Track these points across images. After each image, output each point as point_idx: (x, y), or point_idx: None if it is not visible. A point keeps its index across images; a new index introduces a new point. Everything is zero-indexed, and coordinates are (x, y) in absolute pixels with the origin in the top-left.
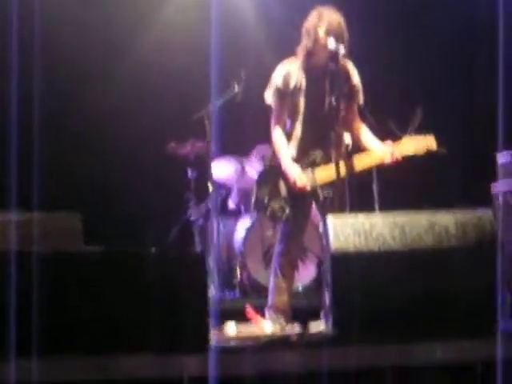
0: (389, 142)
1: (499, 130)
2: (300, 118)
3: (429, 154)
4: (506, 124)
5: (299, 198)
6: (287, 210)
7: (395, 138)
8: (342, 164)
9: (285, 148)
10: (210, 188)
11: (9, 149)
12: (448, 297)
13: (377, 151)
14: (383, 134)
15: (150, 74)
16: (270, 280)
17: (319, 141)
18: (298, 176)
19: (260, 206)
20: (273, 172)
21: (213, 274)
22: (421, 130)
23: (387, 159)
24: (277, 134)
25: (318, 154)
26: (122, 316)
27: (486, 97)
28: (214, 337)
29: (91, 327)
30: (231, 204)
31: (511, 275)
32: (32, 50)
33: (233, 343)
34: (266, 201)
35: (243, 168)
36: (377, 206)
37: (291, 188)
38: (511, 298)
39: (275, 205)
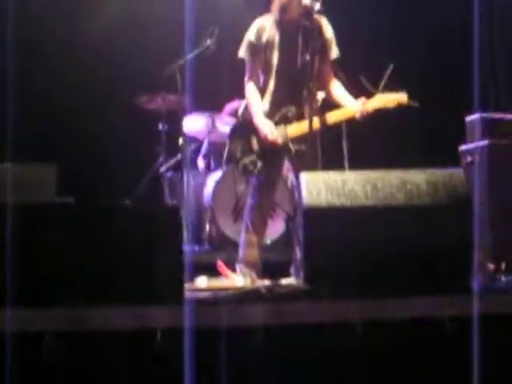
0: (362, 99)
1: (474, 92)
2: (273, 72)
3: (400, 108)
4: (479, 85)
5: (271, 153)
6: (259, 165)
7: (368, 94)
8: (314, 119)
9: (257, 103)
10: (181, 142)
11: None
12: (420, 253)
13: (349, 106)
14: (356, 89)
15: (122, 25)
16: (241, 234)
17: (292, 96)
18: (270, 130)
19: (232, 161)
20: (245, 127)
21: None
22: (394, 87)
23: (359, 114)
24: (249, 88)
25: (290, 109)
26: (96, 268)
27: (459, 58)
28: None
29: (64, 279)
30: (201, 158)
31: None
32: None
33: (204, 296)
34: (238, 155)
35: (214, 122)
36: (346, 163)
37: (263, 142)
38: (479, 255)
39: (247, 159)
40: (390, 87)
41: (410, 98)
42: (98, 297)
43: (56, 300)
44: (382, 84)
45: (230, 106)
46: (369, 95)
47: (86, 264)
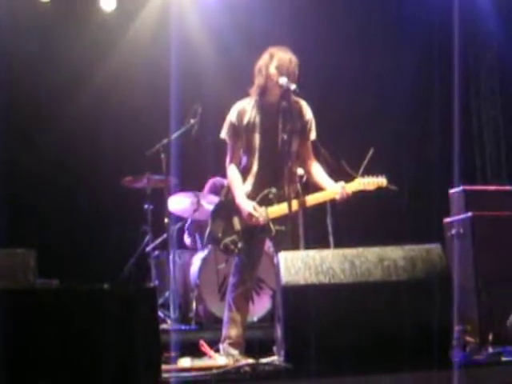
0: (341, 183)
1: (454, 167)
2: (256, 153)
3: (379, 191)
4: (460, 161)
5: (252, 233)
6: (240, 245)
7: (348, 177)
8: (294, 200)
9: (239, 184)
10: (166, 220)
11: None
12: (399, 329)
13: (329, 189)
14: (337, 170)
15: (107, 108)
16: (224, 313)
17: (274, 176)
18: (251, 211)
19: (213, 240)
20: (227, 207)
21: (170, 308)
22: (375, 170)
23: (339, 196)
24: (231, 170)
25: (271, 190)
26: (75, 349)
27: (441, 134)
28: (170, 370)
29: (40, 360)
30: (186, 235)
31: (464, 306)
32: None
33: (187, 376)
34: (219, 235)
35: (199, 201)
36: (331, 240)
37: (244, 223)
38: (463, 329)
39: (228, 239)
40: (370, 169)
41: (389, 181)
42: (78, 381)
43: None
44: (362, 168)
45: (211, 183)
46: (349, 177)
47: (65, 347)
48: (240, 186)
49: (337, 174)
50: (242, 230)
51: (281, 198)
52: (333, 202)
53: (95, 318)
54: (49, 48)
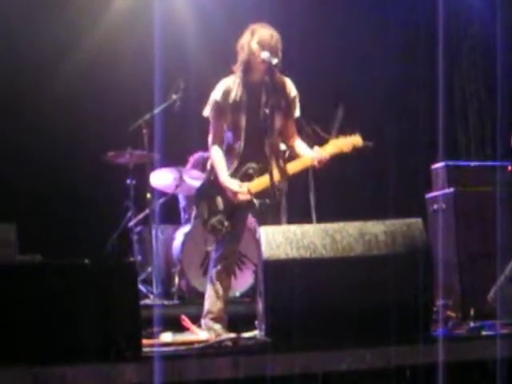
0: (316, 148)
1: (439, 142)
2: (242, 133)
3: (357, 151)
4: (443, 137)
5: (236, 210)
6: (226, 223)
7: (322, 140)
8: (276, 172)
9: (222, 164)
10: (149, 196)
11: None
12: (379, 304)
13: (305, 155)
14: (317, 140)
15: (89, 82)
16: (207, 288)
17: (257, 152)
18: (235, 190)
19: (200, 221)
20: (211, 188)
21: (152, 283)
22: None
23: (316, 161)
24: (214, 150)
25: (251, 165)
26: (56, 324)
27: (424, 109)
28: (152, 344)
29: (26, 337)
30: (182, 211)
31: (446, 281)
32: None
33: (168, 350)
34: (205, 216)
35: (182, 177)
36: (314, 215)
37: (228, 201)
38: (445, 304)
39: (214, 219)
40: (345, 131)
41: (364, 139)
42: (59, 354)
43: (18, 359)
44: (334, 128)
45: (194, 158)
46: (323, 141)
47: (47, 322)
48: (223, 167)
49: (317, 144)
50: (225, 209)
51: (262, 171)
52: (314, 169)
53: (76, 293)
54: (31, 21)
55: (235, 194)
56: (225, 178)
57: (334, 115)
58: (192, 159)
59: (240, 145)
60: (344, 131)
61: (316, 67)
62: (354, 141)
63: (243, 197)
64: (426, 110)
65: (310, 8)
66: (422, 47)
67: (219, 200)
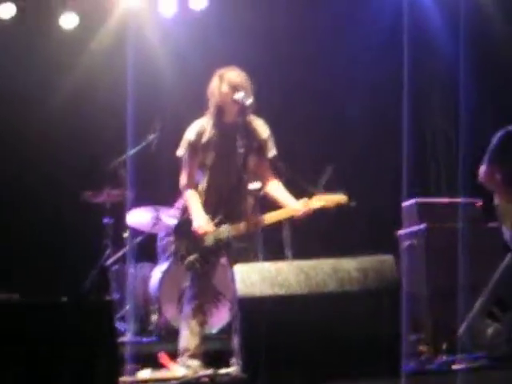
0: (304, 200)
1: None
2: (211, 171)
3: (339, 207)
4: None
5: (212, 250)
6: (202, 261)
7: (308, 194)
8: (252, 218)
9: (195, 203)
10: (126, 234)
11: None
12: (352, 339)
13: (290, 207)
14: (294, 186)
15: (70, 124)
16: (182, 325)
17: (229, 193)
18: (202, 224)
19: (177, 258)
20: (187, 225)
21: (129, 319)
22: (333, 187)
23: (301, 213)
24: (189, 193)
25: (229, 208)
26: (33, 364)
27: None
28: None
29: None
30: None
31: (417, 316)
32: None
33: None
34: (183, 253)
35: (159, 216)
36: (289, 253)
37: (201, 241)
38: (418, 338)
39: (192, 257)
40: (329, 187)
41: (348, 193)
42: None
43: None
44: (322, 185)
45: (179, 203)
46: (308, 194)
47: (23, 362)
48: (197, 205)
49: (295, 189)
50: (202, 247)
51: (237, 215)
52: (292, 218)
53: (54, 331)
54: (10, 64)
55: (199, 228)
56: (196, 214)
57: (323, 173)
58: (178, 203)
59: (204, 184)
60: (327, 186)
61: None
62: (340, 199)
63: (201, 230)
64: (397, 149)
65: (282, 47)
66: (393, 90)
67: (191, 240)
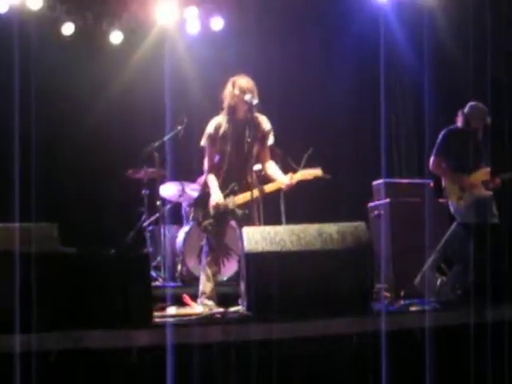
0: (289, 175)
1: (382, 163)
2: (226, 157)
3: (317, 179)
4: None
5: (222, 216)
6: (214, 225)
7: (294, 170)
8: (255, 190)
9: (213, 181)
10: (158, 203)
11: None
12: (334, 286)
13: (279, 180)
14: (287, 166)
15: (117, 118)
16: (201, 273)
17: (238, 173)
18: (217, 200)
19: (196, 223)
20: (204, 198)
21: (161, 269)
22: (314, 164)
23: (285, 185)
24: (210, 176)
25: (237, 183)
26: (88, 299)
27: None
28: (157, 316)
29: (63, 308)
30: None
31: (384, 270)
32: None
33: (172, 320)
34: (200, 219)
35: (183, 189)
36: (284, 219)
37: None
38: (383, 287)
39: (206, 222)
40: (310, 164)
41: (324, 171)
42: (90, 322)
43: (56, 325)
44: (302, 163)
45: (200, 179)
46: (294, 170)
47: (81, 297)
48: (214, 183)
49: (287, 169)
50: (214, 215)
51: (244, 188)
52: (283, 189)
53: (102, 276)
54: (71, 72)
55: (216, 204)
56: (213, 191)
57: (304, 153)
58: (199, 179)
59: (224, 166)
60: (309, 164)
61: (288, 110)
62: (316, 172)
63: (215, 204)
64: (370, 139)
65: (282, 62)
66: (369, 93)
67: (207, 210)
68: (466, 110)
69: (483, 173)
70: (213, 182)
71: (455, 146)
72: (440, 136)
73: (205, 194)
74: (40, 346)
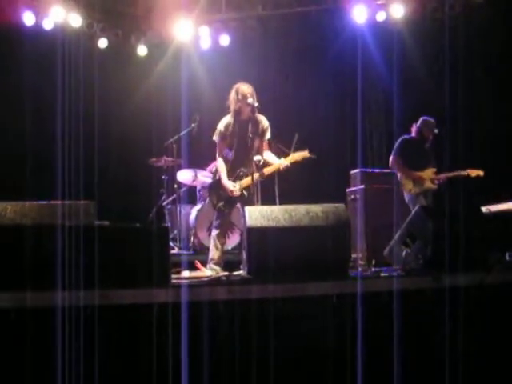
0: (282, 158)
1: (358, 156)
2: (233, 150)
3: (307, 160)
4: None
5: (231, 199)
6: (225, 206)
7: (286, 154)
8: (255, 175)
9: (224, 171)
10: (176, 186)
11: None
12: (319, 255)
13: (275, 163)
14: (282, 154)
15: (142, 116)
16: (210, 243)
17: (242, 162)
18: (231, 187)
19: (212, 205)
20: (217, 184)
21: (177, 240)
22: (301, 148)
23: (282, 167)
24: (219, 161)
25: (242, 170)
26: (117, 263)
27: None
28: (174, 278)
29: (97, 267)
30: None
31: (359, 243)
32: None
33: (187, 281)
34: (214, 202)
35: (197, 175)
36: (278, 200)
37: (226, 193)
38: (358, 257)
39: (220, 204)
40: (299, 149)
41: (310, 152)
42: (119, 282)
43: (88, 284)
44: (292, 147)
45: (211, 166)
46: (286, 154)
47: (112, 260)
48: (225, 172)
49: (281, 155)
50: (225, 198)
51: (247, 173)
52: (280, 171)
53: (129, 245)
54: (105, 78)
55: (232, 191)
56: (225, 181)
57: (293, 139)
58: (210, 165)
59: (232, 156)
60: (298, 148)
61: (282, 111)
62: (304, 154)
63: (235, 193)
64: (349, 138)
65: (279, 71)
66: (349, 100)
67: (221, 192)
68: (419, 123)
69: (429, 172)
70: (222, 168)
71: (409, 151)
72: (397, 142)
73: (216, 180)
74: (77, 302)
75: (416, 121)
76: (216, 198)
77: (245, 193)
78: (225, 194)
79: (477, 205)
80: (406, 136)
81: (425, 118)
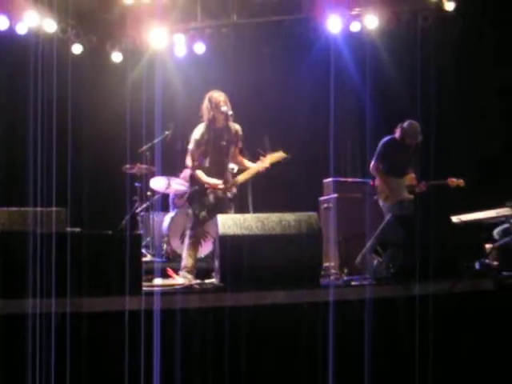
0: (258, 162)
1: (331, 165)
2: (208, 157)
3: (283, 161)
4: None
5: (216, 206)
6: (207, 215)
7: (263, 155)
8: (230, 182)
9: (204, 175)
10: (149, 194)
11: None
12: (291, 263)
13: (253, 167)
14: (253, 159)
15: (116, 123)
16: (183, 251)
17: (218, 169)
18: (216, 182)
19: (195, 215)
20: (199, 192)
21: (150, 247)
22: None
23: (261, 169)
24: (199, 173)
25: (218, 177)
26: (89, 271)
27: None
28: (146, 285)
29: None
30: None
31: (331, 251)
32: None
33: (158, 289)
34: (197, 211)
35: (170, 182)
36: (251, 208)
37: (207, 203)
38: (330, 265)
39: (204, 212)
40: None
41: (285, 152)
42: (91, 290)
43: (60, 291)
44: (267, 149)
45: (184, 173)
46: (263, 156)
47: (82, 269)
48: (205, 176)
49: (253, 157)
50: (210, 206)
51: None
52: (259, 172)
53: (103, 252)
54: (79, 84)
55: (221, 187)
56: (208, 179)
57: (265, 142)
58: (183, 173)
59: (207, 164)
60: (272, 150)
61: (256, 118)
62: (280, 155)
63: (220, 186)
64: (322, 146)
65: (254, 76)
66: (323, 109)
67: (204, 199)
68: (405, 126)
69: (409, 178)
70: (203, 175)
71: (390, 153)
72: (380, 143)
73: (197, 190)
74: (47, 310)
75: (393, 128)
76: (199, 207)
77: (229, 195)
78: (208, 201)
79: (446, 214)
80: (389, 138)
81: (412, 121)
